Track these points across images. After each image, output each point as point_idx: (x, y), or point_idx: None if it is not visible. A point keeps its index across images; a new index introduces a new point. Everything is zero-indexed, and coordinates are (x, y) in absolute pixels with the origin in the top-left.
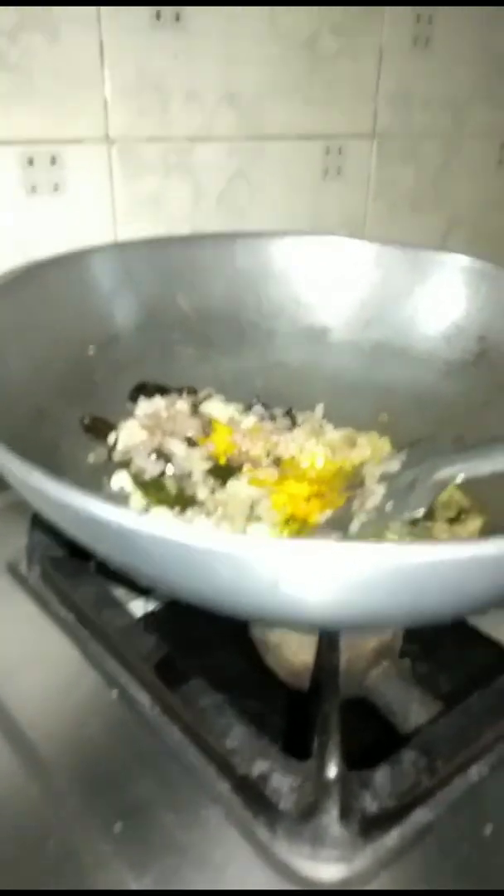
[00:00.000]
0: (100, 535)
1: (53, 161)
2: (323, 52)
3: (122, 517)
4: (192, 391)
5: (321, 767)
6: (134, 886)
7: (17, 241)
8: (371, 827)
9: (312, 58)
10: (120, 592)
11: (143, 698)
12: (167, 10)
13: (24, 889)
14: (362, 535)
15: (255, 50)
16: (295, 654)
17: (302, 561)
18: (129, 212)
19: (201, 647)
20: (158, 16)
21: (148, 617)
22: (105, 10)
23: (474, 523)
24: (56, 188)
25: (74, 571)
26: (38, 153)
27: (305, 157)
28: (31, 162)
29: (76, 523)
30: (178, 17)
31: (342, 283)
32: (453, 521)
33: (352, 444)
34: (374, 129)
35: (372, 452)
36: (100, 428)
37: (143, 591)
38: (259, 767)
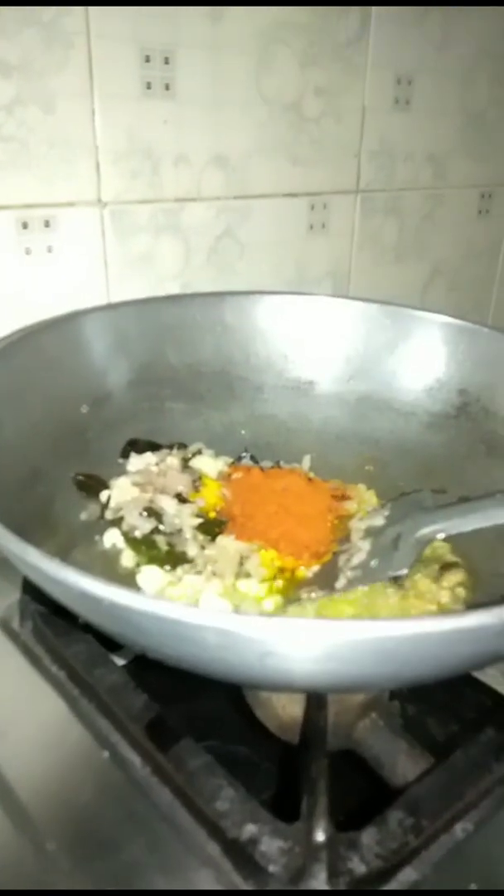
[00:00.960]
0: (93, 609)
1: (47, 224)
2: (307, 113)
3: (114, 595)
4: (182, 446)
5: (309, 831)
6: None
7: (11, 301)
8: (359, 887)
9: (297, 119)
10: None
11: (134, 758)
12: (157, 80)
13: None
14: (347, 593)
15: (242, 113)
16: (284, 708)
17: (288, 637)
18: (122, 271)
19: (191, 695)
20: (149, 86)
21: (139, 661)
22: (97, 80)
23: (456, 576)
24: (50, 250)
25: (66, 628)
26: (32, 217)
27: (291, 214)
28: (25, 226)
29: (70, 598)
30: (167, 87)
31: (327, 340)
32: (438, 576)
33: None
34: (357, 184)
35: (358, 506)
36: (92, 485)
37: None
38: (248, 831)
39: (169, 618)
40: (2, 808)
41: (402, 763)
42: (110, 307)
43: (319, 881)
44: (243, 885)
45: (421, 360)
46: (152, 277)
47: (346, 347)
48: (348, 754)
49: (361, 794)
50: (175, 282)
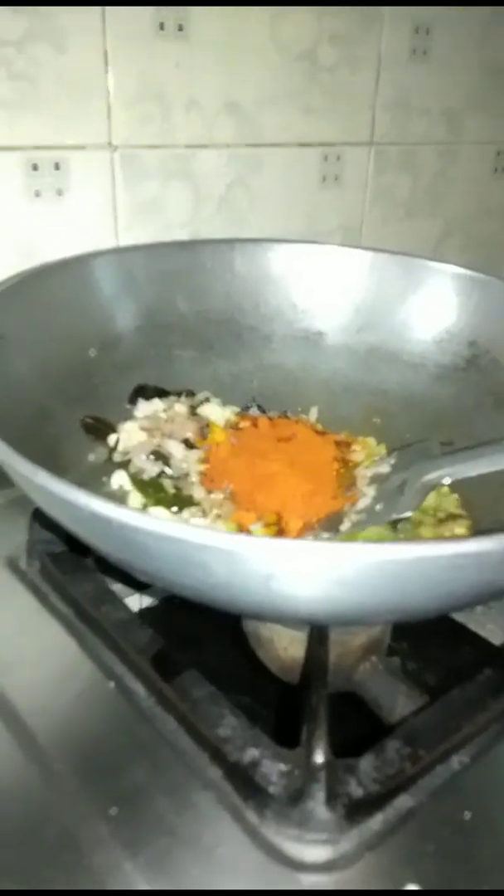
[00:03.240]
0: (100, 532)
1: (57, 167)
2: (322, 62)
3: (122, 515)
4: (190, 394)
5: (309, 754)
6: (128, 865)
7: (20, 244)
8: (356, 811)
9: (312, 68)
10: (116, 588)
11: (139, 689)
12: (170, 21)
13: (27, 890)
14: (352, 536)
15: (256, 60)
16: (285, 649)
17: (293, 559)
18: (131, 217)
19: (195, 642)
20: (162, 26)
21: (143, 613)
22: (110, 20)
23: (461, 528)
24: (59, 193)
25: (73, 567)
26: (42, 159)
27: (304, 165)
28: (35, 168)
29: (78, 520)
30: (180, 28)
31: (337, 290)
32: (441, 523)
33: (348, 447)
34: (371, 137)
35: (366, 456)
36: (100, 429)
37: (140, 586)
38: (250, 755)
39: (175, 537)
40: (11, 734)
41: (401, 704)
42: (120, 250)
43: (317, 801)
44: (243, 806)
45: (432, 311)
46: (161, 224)
47: (356, 297)
48: (348, 696)
49: (360, 733)
50: (184, 230)
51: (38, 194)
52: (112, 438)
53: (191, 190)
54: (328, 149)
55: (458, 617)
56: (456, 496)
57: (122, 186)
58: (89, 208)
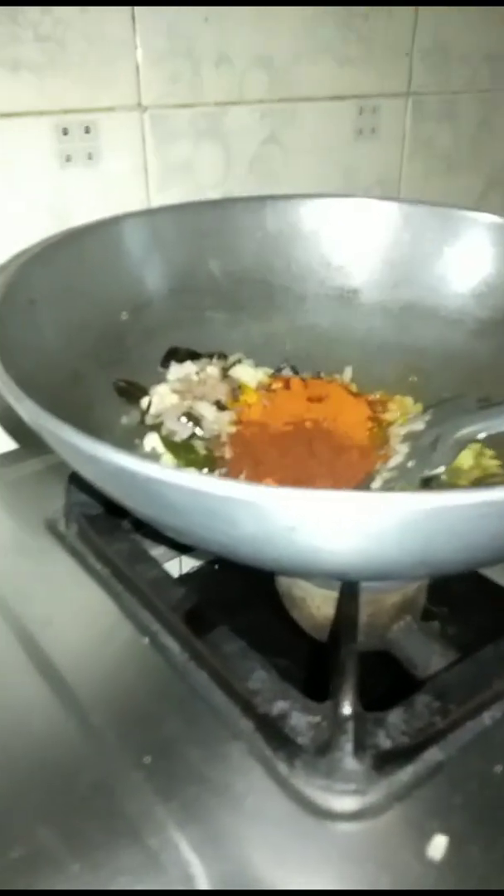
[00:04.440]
0: (127, 488)
1: (87, 130)
2: (356, 9)
3: (147, 468)
4: (222, 356)
5: (337, 706)
6: (161, 811)
7: (52, 209)
8: (384, 763)
9: (345, 15)
10: (158, 553)
11: (173, 645)
12: None
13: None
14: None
15: (286, 10)
16: (318, 608)
17: (316, 508)
18: (162, 178)
19: (233, 607)
20: None
21: (182, 579)
22: None
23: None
24: (90, 157)
25: (109, 528)
26: (72, 123)
27: (339, 118)
28: (65, 132)
29: (106, 477)
30: None
31: (371, 245)
32: (478, 482)
33: (383, 407)
34: (409, 87)
35: (401, 415)
36: (132, 391)
37: (177, 547)
38: (279, 707)
39: (198, 490)
40: (50, 688)
41: (435, 662)
42: (150, 212)
43: (345, 752)
44: (273, 757)
45: (469, 263)
46: (193, 185)
47: (391, 252)
48: (383, 655)
49: (392, 691)
50: (216, 190)
51: (69, 159)
52: (144, 401)
53: (222, 149)
54: (363, 101)
55: (501, 580)
56: (494, 454)
57: (152, 148)
58: (120, 171)
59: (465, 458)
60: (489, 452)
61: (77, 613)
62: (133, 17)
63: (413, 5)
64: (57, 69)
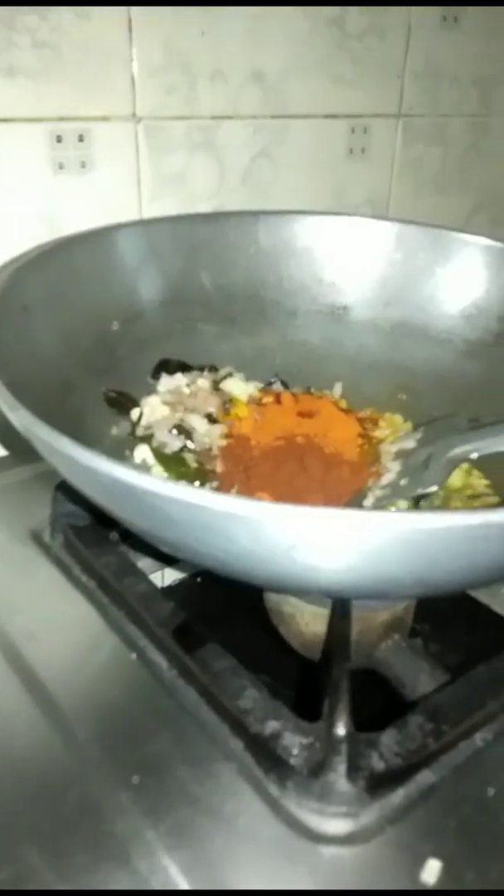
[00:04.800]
0: (124, 500)
1: (81, 139)
2: (350, 29)
3: (146, 482)
4: (213, 369)
5: (330, 727)
6: (150, 833)
7: (43, 216)
8: (377, 785)
9: (339, 35)
10: (143, 564)
11: (161, 661)
12: None
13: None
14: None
15: (282, 28)
16: (307, 624)
17: (315, 526)
18: (155, 190)
19: (218, 620)
20: None
21: (167, 590)
22: None
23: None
24: (83, 165)
25: (96, 540)
26: (66, 130)
27: (330, 136)
28: (59, 139)
29: (101, 489)
30: None
31: (363, 263)
32: (470, 502)
33: (373, 424)
34: (399, 108)
35: (391, 432)
36: (123, 402)
37: (163, 559)
38: (271, 727)
39: (198, 504)
40: (35, 703)
41: (423, 682)
42: (143, 222)
43: (339, 774)
44: (264, 778)
45: (460, 284)
46: (185, 197)
47: (383, 271)
48: (370, 674)
49: (382, 711)
50: (208, 202)
51: (61, 167)
52: (135, 412)
53: (215, 162)
54: (355, 120)
55: (483, 598)
56: (482, 476)
57: (146, 158)
58: (113, 181)
59: (456, 478)
60: (476, 473)
61: (62, 627)
62: (130, 28)
63: (408, 5)
64: (53, 76)
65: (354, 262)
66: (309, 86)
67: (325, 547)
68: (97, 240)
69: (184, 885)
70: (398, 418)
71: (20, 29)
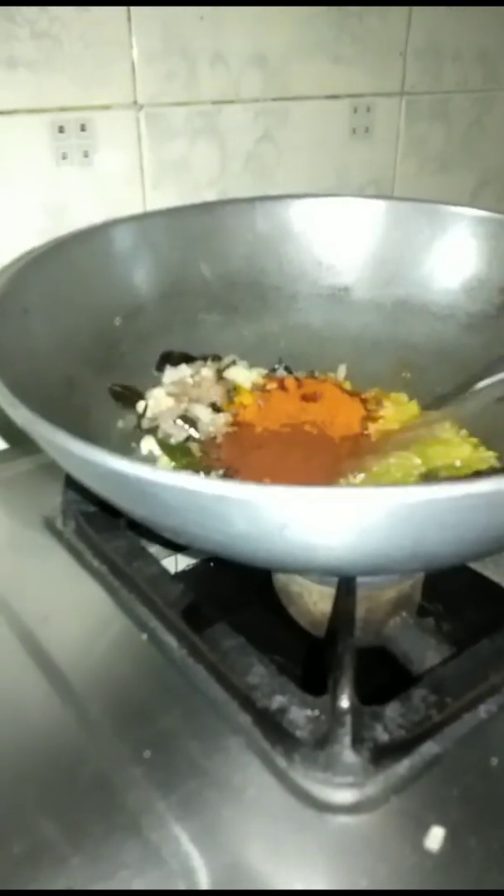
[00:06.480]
0: (123, 490)
1: (83, 128)
2: (350, 8)
3: (140, 471)
4: (217, 358)
5: (335, 700)
6: (161, 805)
7: (47, 207)
8: (381, 756)
9: (339, 15)
10: (154, 550)
11: (171, 640)
12: None
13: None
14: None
15: (281, 10)
16: (315, 604)
17: (305, 504)
18: (158, 177)
19: (229, 604)
20: None
21: (178, 576)
22: None
23: None
24: (86, 155)
25: (106, 526)
26: (68, 120)
27: (333, 117)
28: (61, 130)
29: (100, 480)
30: None
31: (361, 243)
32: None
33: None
34: (402, 86)
35: (398, 414)
36: (128, 396)
37: (171, 546)
38: (278, 701)
39: (189, 489)
40: (49, 683)
41: (431, 657)
42: (139, 217)
43: (343, 745)
44: (272, 751)
45: (459, 258)
46: (188, 183)
47: (381, 250)
48: (379, 651)
49: (388, 686)
50: (212, 188)
51: (64, 157)
52: (140, 405)
53: (218, 147)
54: (358, 100)
55: (495, 577)
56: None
57: (148, 146)
58: (116, 169)
59: (465, 453)
60: (483, 449)
61: (75, 610)
62: (129, 16)
63: (407, 5)
64: (53, 67)
65: (352, 243)
66: (310, 67)
67: (315, 525)
68: (93, 237)
69: (194, 853)
70: (403, 397)
71: (19, 21)
